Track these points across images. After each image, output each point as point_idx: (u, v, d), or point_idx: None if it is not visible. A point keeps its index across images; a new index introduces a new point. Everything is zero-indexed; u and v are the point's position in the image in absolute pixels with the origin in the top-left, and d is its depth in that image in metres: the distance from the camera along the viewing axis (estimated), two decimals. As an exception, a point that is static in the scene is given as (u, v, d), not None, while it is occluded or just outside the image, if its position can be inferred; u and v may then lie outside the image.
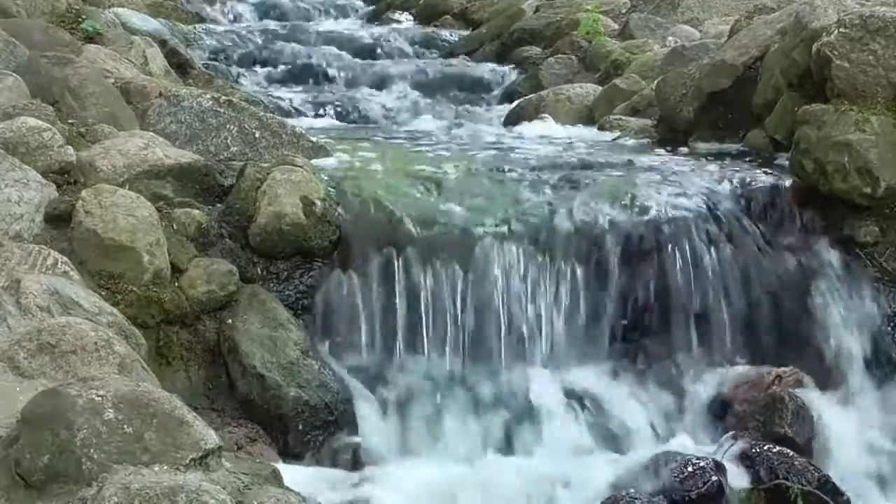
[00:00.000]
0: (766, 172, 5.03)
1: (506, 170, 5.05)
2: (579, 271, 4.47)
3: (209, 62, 8.03)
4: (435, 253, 4.38)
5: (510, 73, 8.46)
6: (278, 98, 7.48)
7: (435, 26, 10.29)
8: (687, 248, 4.57)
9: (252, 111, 5.30)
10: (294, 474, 3.51)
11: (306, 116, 7.21)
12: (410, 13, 11.07)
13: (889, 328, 4.56)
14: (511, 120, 7.14)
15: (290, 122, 5.71)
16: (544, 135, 6.27)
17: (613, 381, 4.41)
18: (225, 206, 4.44)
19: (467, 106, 7.96)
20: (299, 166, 4.50)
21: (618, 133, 6.15)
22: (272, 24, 10.06)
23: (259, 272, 4.34)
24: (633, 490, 3.81)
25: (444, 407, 4.20)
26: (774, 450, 4.01)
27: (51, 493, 2.61)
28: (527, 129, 6.57)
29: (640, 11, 8.92)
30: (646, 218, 4.62)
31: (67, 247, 3.96)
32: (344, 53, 8.82)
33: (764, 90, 5.47)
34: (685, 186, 4.87)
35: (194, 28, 8.94)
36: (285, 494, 2.87)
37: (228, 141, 5.11)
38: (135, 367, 3.22)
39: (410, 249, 4.37)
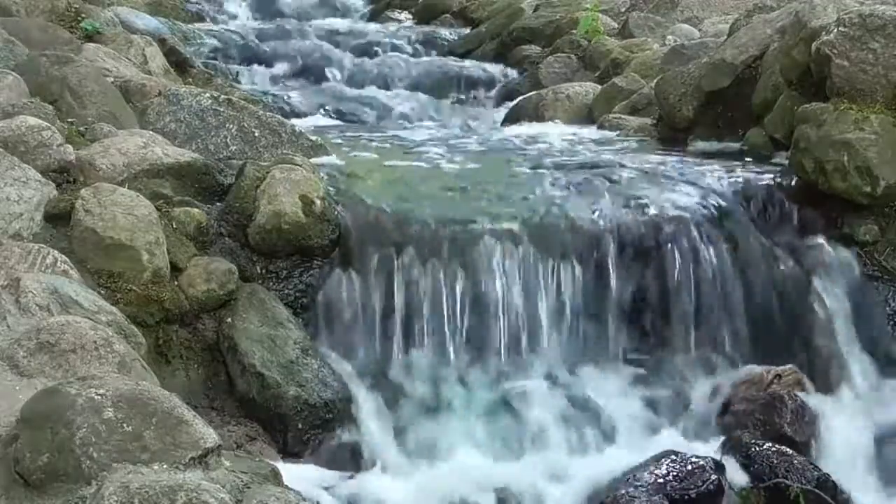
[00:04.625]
0: (765, 171, 5.04)
1: (505, 169, 5.05)
2: (578, 270, 4.47)
3: (209, 61, 8.03)
4: (434, 252, 4.37)
5: (509, 72, 8.46)
6: (278, 97, 7.48)
7: (434, 25, 10.30)
8: (686, 246, 4.57)
9: (251, 110, 5.29)
10: (293, 473, 3.51)
11: (306, 115, 7.21)
12: (410, 12, 11.08)
13: (889, 326, 4.56)
14: (510, 119, 7.15)
15: (290, 120, 5.71)
16: (543, 133, 6.27)
17: (613, 379, 4.41)
18: (224, 205, 4.43)
19: (466, 105, 7.96)
20: (299, 165, 4.50)
21: (617, 132, 6.15)
22: (272, 23, 10.06)
23: (258, 271, 4.33)
24: (632, 489, 3.81)
25: (444, 406, 4.20)
26: (774, 448, 4.00)
27: (50, 491, 2.60)
28: (526, 127, 6.57)
29: (639, 10, 8.93)
30: (645, 217, 4.62)
31: (67, 245, 3.95)
32: (343, 52, 8.82)
33: (763, 89, 5.47)
34: (684, 185, 4.87)
35: (194, 27, 8.94)
36: (284, 493, 2.87)
37: (228, 140, 5.10)
38: (134, 365, 3.21)
39: (410, 248, 4.36)
